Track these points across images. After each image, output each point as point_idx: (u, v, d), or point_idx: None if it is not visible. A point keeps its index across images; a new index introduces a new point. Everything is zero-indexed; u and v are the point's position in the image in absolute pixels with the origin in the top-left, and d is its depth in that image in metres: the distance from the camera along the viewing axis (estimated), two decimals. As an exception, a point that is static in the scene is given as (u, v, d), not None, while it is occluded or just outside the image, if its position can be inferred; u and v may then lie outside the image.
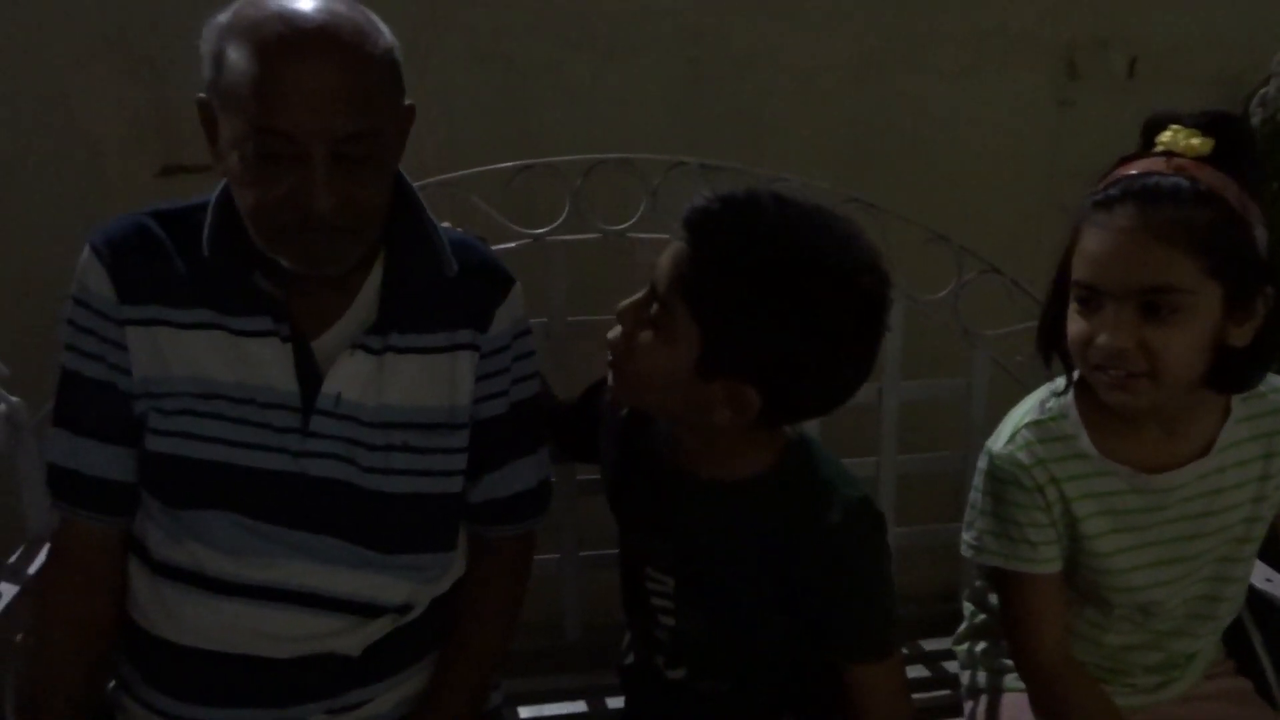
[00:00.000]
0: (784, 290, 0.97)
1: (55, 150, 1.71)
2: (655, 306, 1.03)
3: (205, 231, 1.10)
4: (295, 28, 0.99)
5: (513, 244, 1.45)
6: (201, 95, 1.05)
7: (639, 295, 1.07)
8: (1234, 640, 1.29)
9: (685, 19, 2.01)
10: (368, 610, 1.16)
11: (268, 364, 1.10)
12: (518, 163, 1.45)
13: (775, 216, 1.00)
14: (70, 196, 1.71)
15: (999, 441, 1.17)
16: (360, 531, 1.14)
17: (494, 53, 1.88)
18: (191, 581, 1.13)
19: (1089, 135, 2.32)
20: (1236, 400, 1.15)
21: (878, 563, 1.11)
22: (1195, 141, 1.03)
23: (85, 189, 1.72)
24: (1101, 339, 1.03)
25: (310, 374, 1.11)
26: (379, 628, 1.17)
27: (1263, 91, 1.42)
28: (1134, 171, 1.04)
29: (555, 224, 1.46)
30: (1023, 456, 1.14)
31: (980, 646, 1.34)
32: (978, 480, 1.20)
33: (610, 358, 1.09)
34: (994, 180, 2.28)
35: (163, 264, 1.11)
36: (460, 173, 1.44)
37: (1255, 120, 1.93)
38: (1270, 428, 1.16)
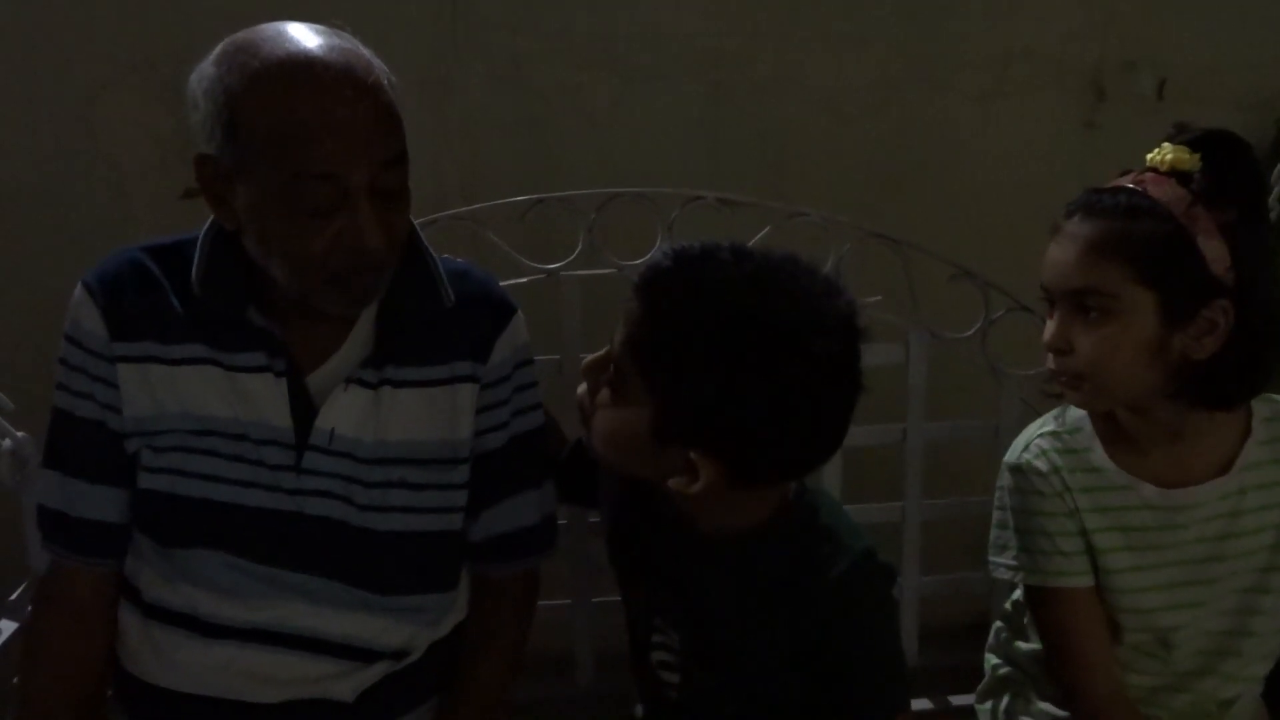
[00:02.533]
0: (728, 352, 0.92)
1: (80, 176, 1.70)
2: (612, 366, 1.00)
3: (195, 269, 1.08)
4: (315, 70, 0.98)
5: (525, 279, 1.41)
6: (205, 152, 1.02)
7: (600, 352, 1.03)
8: (1273, 689, 1.24)
9: (707, 43, 1.98)
10: (363, 654, 1.13)
11: (262, 399, 1.08)
12: (532, 196, 1.42)
13: (728, 275, 0.95)
14: (94, 224, 1.70)
15: (1014, 453, 1.19)
16: (356, 572, 1.12)
17: (514, 77, 1.85)
18: (183, 624, 1.11)
19: (1116, 159, 2.26)
20: (1258, 421, 1.15)
21: (884, 616, 1.07)
22: (1171, 156, 1.08)
23: (109, 215, 1.71)
24: (1045, 337, 1.11)
25: (305, 410, 1.09)
26: (374, 673, 1.14)
27: None
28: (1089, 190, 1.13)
29: (569, 258, 1.42)
30: (1039, 464, 1.15)
31: (1004, 702, 1.28)
32: (999, 498, 1.20)
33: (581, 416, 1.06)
34: (1020, 207, 2.20)
35: (156, 299, 1.09)
36: (474, 206, 1.41)
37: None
38: None
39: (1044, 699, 1.24)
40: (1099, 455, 1.15)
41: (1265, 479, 1.15)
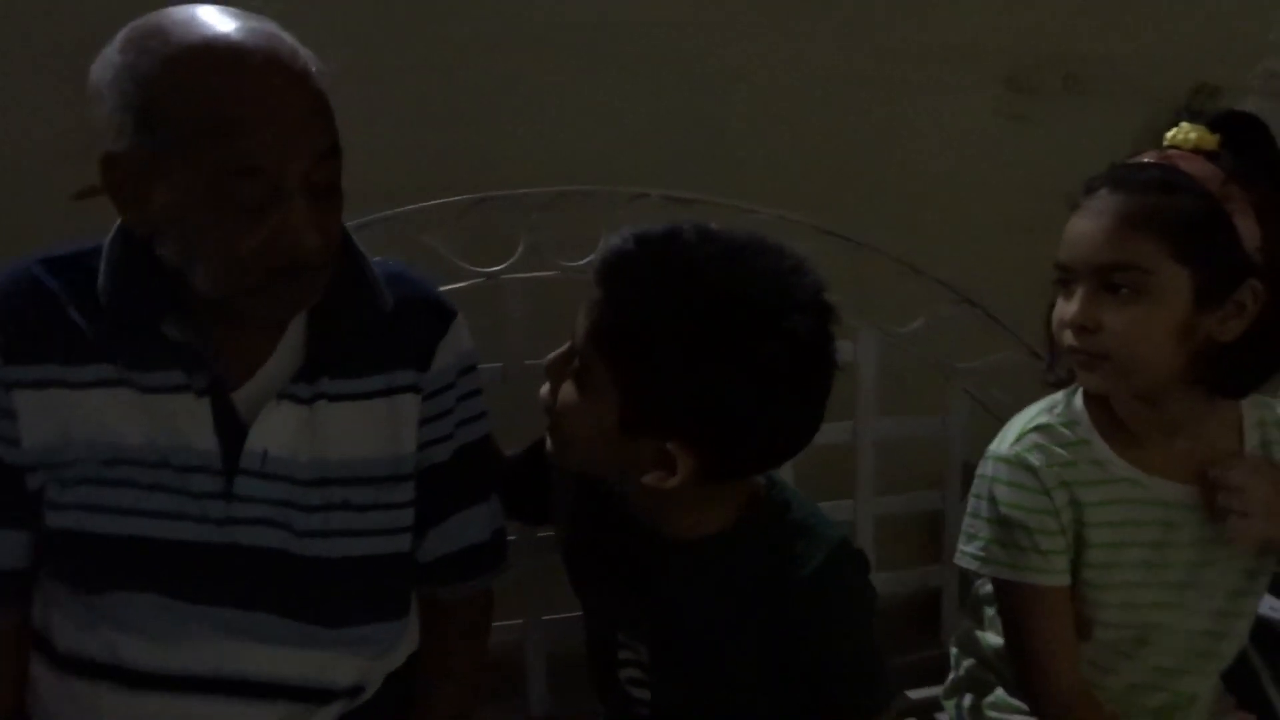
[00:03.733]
0: (700, 336, 0.87)
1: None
2: (576, 360, 0.95)
3: (101, 280, 0.97)
4: (239, 55, 0.89)
5: (464, 283, 1.34)
6: (112, 150, 0.91)
7: (563, 348, 0.98)
8: (1231, 675, 1.24)
9: (658, 35, 1.93)
10: (315, 696, 1.04)
11: (182, 422, 0.98)
12: (471, 195, 1.34)
13: (693, 255, 0.90)
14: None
15: (1004, 444, 1.14)
16: (301, 605, 1.02)
17: (451, 66, 1.75)
18: (108, 675, 1.00)
19: (1035, 149, 2.31)
20: (1249, 425, 1.13)
21: (863, 607, 1.04)
22: (1194, 135, 1.06)
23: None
24: (1067, 315, 1.06)
25: (232, 430, 1.00)
26: (328, 715, 1.06)
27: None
28: (1118, 164, 1.09)
29: (511, 260, 1.35)
30: (1033, 459, 1.11)
31: (968, 700, 1.27)
32: (979, 487, 1.16)
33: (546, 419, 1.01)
34: (952, 201, 2.25)
35: (55, 317, 0.98)
36: (408, 207, 1.33)
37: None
38: None
39: (1014, 694, 1.21)
40: (1100, 448, 1.11)
41: None
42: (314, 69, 0.93)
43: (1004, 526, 1.12)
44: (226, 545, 1.00)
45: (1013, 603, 1.14)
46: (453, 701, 1.14)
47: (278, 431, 1.01)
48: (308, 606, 1.03)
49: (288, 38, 0.93)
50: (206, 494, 0.99)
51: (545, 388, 1.00)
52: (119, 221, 0.98)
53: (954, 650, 1.33)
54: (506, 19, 1.79)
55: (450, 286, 1.27)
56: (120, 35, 0.92)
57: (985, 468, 1.15)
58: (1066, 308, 1.07)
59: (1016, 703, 1.21)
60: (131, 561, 0.99)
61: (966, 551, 1.16)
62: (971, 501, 1.16)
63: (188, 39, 0.88)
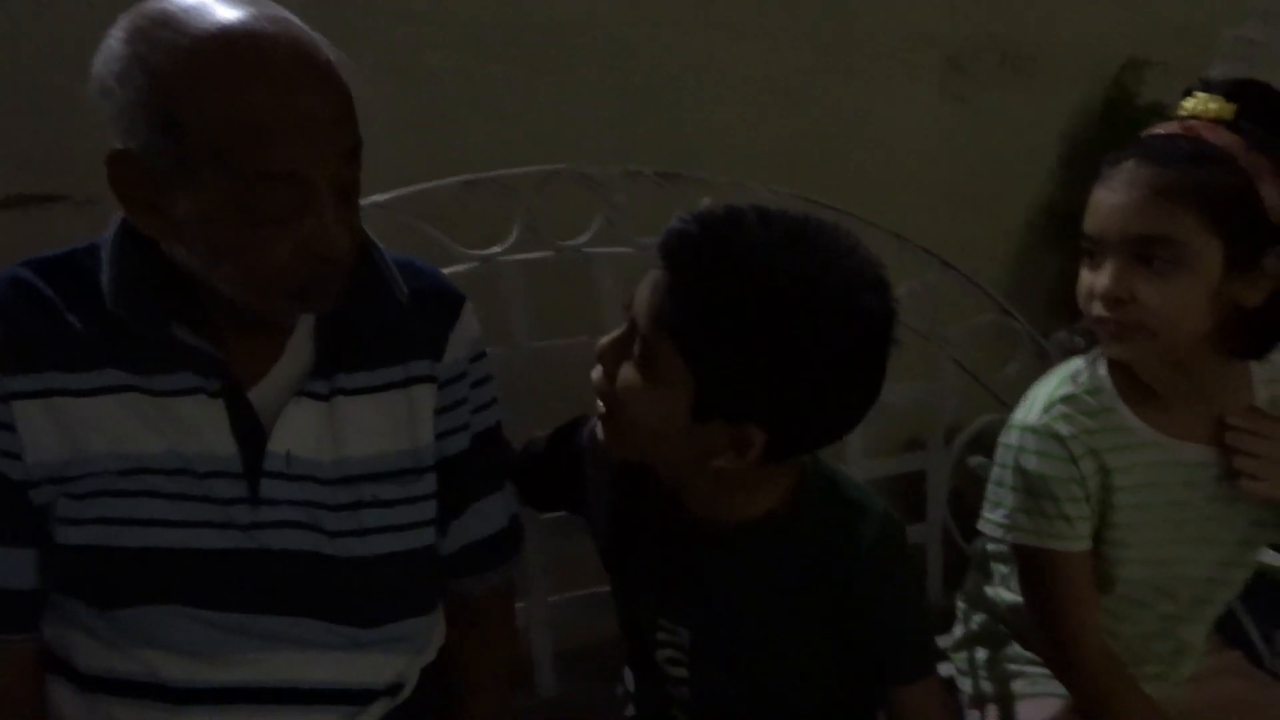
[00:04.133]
0: (778, 319, 0.87)
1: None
2: (638, 344, 0.93)
3: (106, 284, 0.92)
4: (264, 49, 0.84)
5: (461, 267, 1.31)
6: (123, 148, 0.86)
7: (619, 331, 0.96)
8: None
9: (613, 31, 1.92)
10: (358, 697, 1.02)
11: (199, 425, 0.94)
12: (461, 178, 1.32)
13: (761, 236, 0.89)
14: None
15: (1031, 414, 1.15)
16: (338, 606, 1.00)
17: (414, 66, 1.72)
18: (146, 694, 0.96)
19: (976, 128, 2.39)
20: (1258, 384, 1.16)
21: (913, 575, 1.08)
22: (1214, 106, 1.07)
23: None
24: (1099, 287, 1.06)
25: (251, 432, 0.96)
26: (372, 715, 1.04)
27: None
28: (1143, 135, 1.10)
29: (508, 243, 1.33)
30: (1061, 428, 1.12)
31: (982, 653, 1.31)
32: (1004, 457, 1.17)
33: (600, 408, 0.99)
34: (900, 177, 2.30)
35: (53, 323, 0.93)
36: (398, 192, 1.29)
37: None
38: None
39: (1028, 649, 1.26)
40: (1126, 415, 1.13)
41: None
42: (335, 59, 0.89)
43: (1031, 495, 1.14)
44: (255, 551, 0.96)
45: (1038, 568, 1.15)
46: (493, 695, 1.14)
47: (300, 431, 0.98)
48: (345, 608, 1.00)
49: (301, 25, 0.89)
50: (231, 500, 0.96)
51: (598, 373, 0.97)
52: (119, 219, 0.93)
53: (962, 606, 1.36)
54: (467, 19, 1.76)
55: (447, 271, 1.24)
56: (123, 22, 0.86)
57: (1010, 437, 1.16)
58: (1096, 279, 1.07)
59: (1031, 654, 1.25)
60: (157, 574, 0.95)
61: (991, 519, 1.18)
62: (996, 471, 1.18)
63: (204, 30, 0.83)
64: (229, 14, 0.84)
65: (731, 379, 0.90)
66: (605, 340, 0.97)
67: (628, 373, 0.94)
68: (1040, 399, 1.16)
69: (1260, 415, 1.14)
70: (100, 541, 0.93)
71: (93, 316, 0.93)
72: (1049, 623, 1.16)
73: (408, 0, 1.72)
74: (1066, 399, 1.14)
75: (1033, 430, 1.14)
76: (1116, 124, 2.43)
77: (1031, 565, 1.17)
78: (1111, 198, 1.06)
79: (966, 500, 1.63)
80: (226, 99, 0.82)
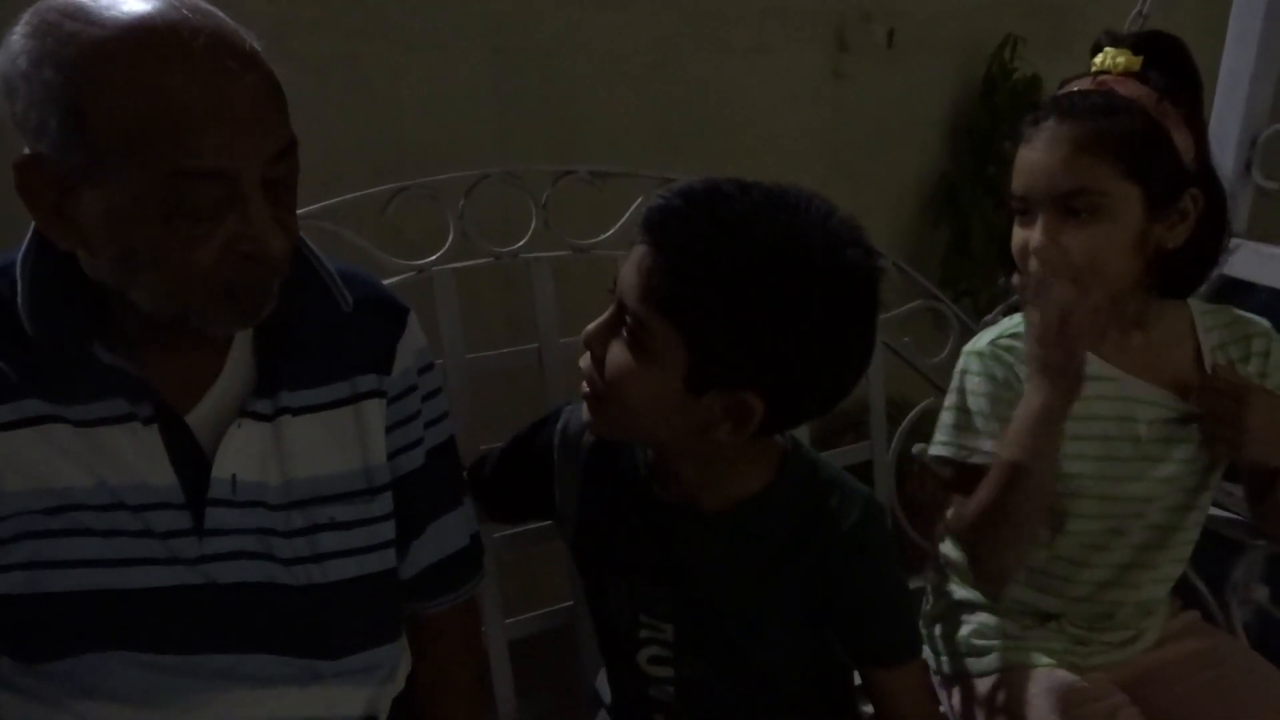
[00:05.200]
0: (764, 280, 0.88)
1: None
2: (629, 322, 0.92)
3: (21, 302, 0.84)
4: (183, 36, 0.77)
5: (396, 278, 1.24)
6: (31, 153, 0.79)
7: (606, 315, 0.95)
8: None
9: (486, 5, 1.86)
10: None
11: (131, 456, 0.87)
12: (391, 185, 1.25)
13: (742, 203, 0.90)
14: None
15: (980, 342, 1.21)
16: (299, 639, 0.94)
17: (278, 51, 1.62)
18: None
19: (860, 104, 2.42)
20: (1202, 332, 1.21)
21: (894, 558, 1.07)
22: (1121, 59, 1.12)
23: None
24: (1033, 243, 1.11)
25: (189, 459, 0.89)
26: None
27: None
28: (1058, 94, 1.14)
29: (443, 250, 1.27)
30: (1006, 356, 1.17)
31: (953, 629, 1.32)
32: (953, 383, 1.22)
33: (586, 389, 0.97)
34: (783, 151, 2.32)
35: None
36: (327, 202, 1.21)
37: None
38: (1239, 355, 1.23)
39: (998, 616, 1.27)
40: None
41: None
42: (260, 52, 0.83)
43: (967, 412, 1.18)
44: (203, 585, 0.90)
45: (962, 485, 1.17)
46: (468, 716, 1.10)
47: (244, 454, 0.91)
48: (304, 640, 0.94)
49: (223, 15, 0.82)
50: (173, 532, 0.89)
51: (585, 359, 0.96)
52: (31, 232, 0.85)
53: (932, 580, 1.38)
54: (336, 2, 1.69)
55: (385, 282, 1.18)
56: (26, 16, 0.78)
57: (960, 362, 1.21)
58: (1030, 235, 1.12)
59: (1001, 624, 1.27)
60: (93, 619, 0.87)
61: (937, 441, 1.21)
62: (945, 398, 1.22)
63: (115, 18, 0.76)
64: (144, 3, 0.78)
65: (723, 345, 0.89)
66: (592, 326, 0.95)
67: (618, 353, 0.93)
68: (990, 332, 1.21)
69: (1230, 375, 1.19)
70: (29, 589, 0.86)
71: (5, 343, 0.85)
72: (967, 531, 1.15)
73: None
74: (1016, 334, 1.18)
75: (978, 354, 1.19)
76: (996, 97, 2.51)
77: (961, 480, 1.18)
78: (1035, 156, 1.10)
79: (913, 486, 1.65)
80: (140, 89, 0.76)
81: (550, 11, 1.92)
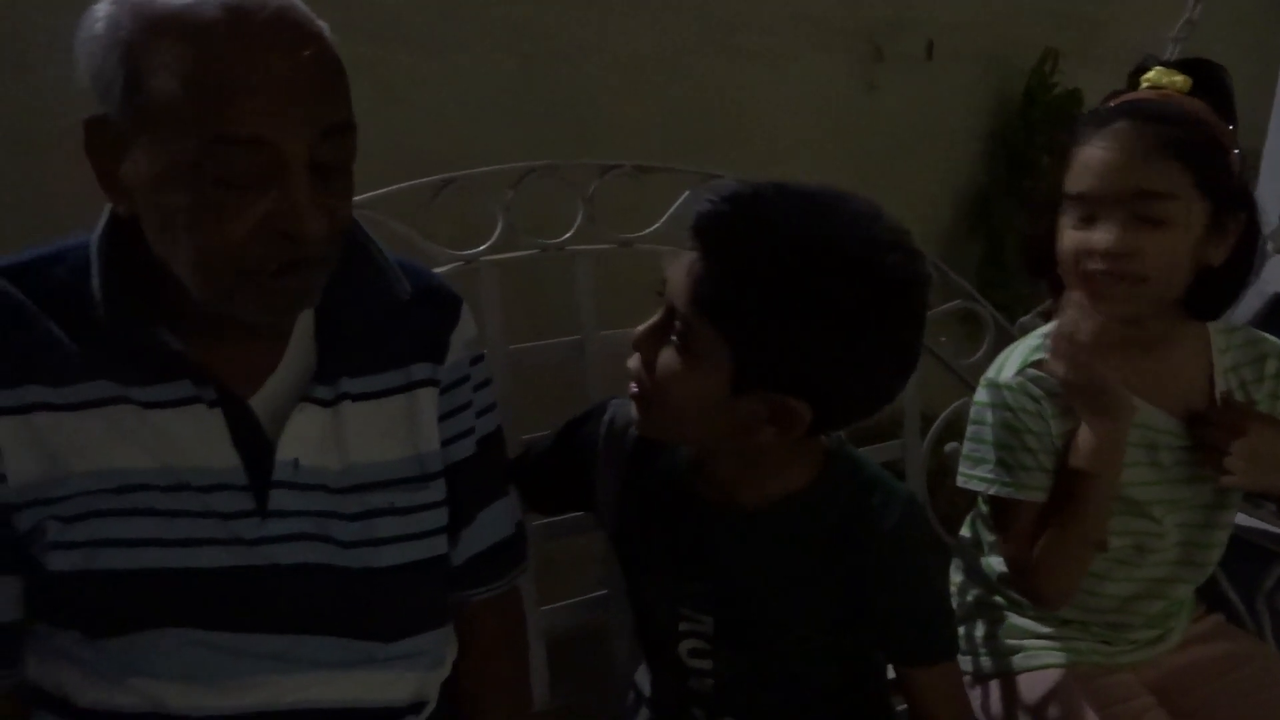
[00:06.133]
0: (812, 286, 0.89)
1: None
2: (678, 326, 0.94)
3: (96, 284, 0.86)
4: (247, 10, 0.79)
5: (443, 268, 1.26)
6: (96, 114, 0.82)
7: (655, 318, 0.97)
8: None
9: (507, 11, 1.89)
10: (379, 716, 0.98)
11: (195, 438, 0.89)
12: (440, 176, 1.27)
13: (786, 209, 0.92)
14: None
15: (1005, 372, 1.20)
16: (354, 622, 0.95)
17: None
18: None
19: (893, 116, 2.43)
20: (1216, 353, 1.22)
21: (934, 557, 1.09)
22: (1178, 79, 1.13)
23: None
24: (1099, 243, 1.10)
25: (252, 442, 0.91)
26: None
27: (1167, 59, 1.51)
28: (1126, 99, 1.14)
29: (490, 241, 1.29)
30: (1034, 388, 1.17)
31: (980, 630, 1.33)
32: (978, 413, 1.22)
33: (634, 390, 0.99)
34: (809, 162, 2.33)
35: (30, 332, 0.86)
36: (376, 192, 1.24)
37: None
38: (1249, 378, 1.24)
39: (1026, 617, 1.28)
40: None
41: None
42: (328, 36, 0.85)
43: (1008, 449, 1.18)
44: (263, 567, 0.91)
45: (1014, 517, 1.19)
46: (510, 709, 1.11)
47: (306, 438, 0.93)
48: (363, 623, 0.96)
49: (303, 5, 0.84)
50: (236, 513, 0.90)
51: (634, 360, 0.98)
52: (105, 215, 0.88)
53: (957, 581, 1.38)
54: (355, 2, 1.71)
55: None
56: None
57: (985, 395, 1.21)
58: (1092, 236, 1.11)
59: (1027, 624, 1.28)
60: (156, 597, 0.89)
61: (974, 475, 1.21)
62: (971, 428, 1.22)
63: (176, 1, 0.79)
64: None
65: (766, 349, 0.91)
66: (641, 328, 0.97)
67: (667, 356, 0.95)
68: (1014, 359, 1.21)
69: (1230, 405, 1.19)
70: (93, 566, 0.87)
71: (74, 326, 0.87)
72: (1021, 564, 1.19)
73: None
74: (1039, 363, 1.18)
75: (1006, 387, 1.18)
76: (1033, 111, 2.53)
77: (1009, 515, 1.20)
78: (1106, 156, 1.09)
79: (945, 487, 1.66)
80: (192, 54, 0.77)
81: (573, 17, 1.95)
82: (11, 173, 1.53)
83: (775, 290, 0.89)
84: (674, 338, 0.94)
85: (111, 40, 0.79)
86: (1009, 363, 1.21)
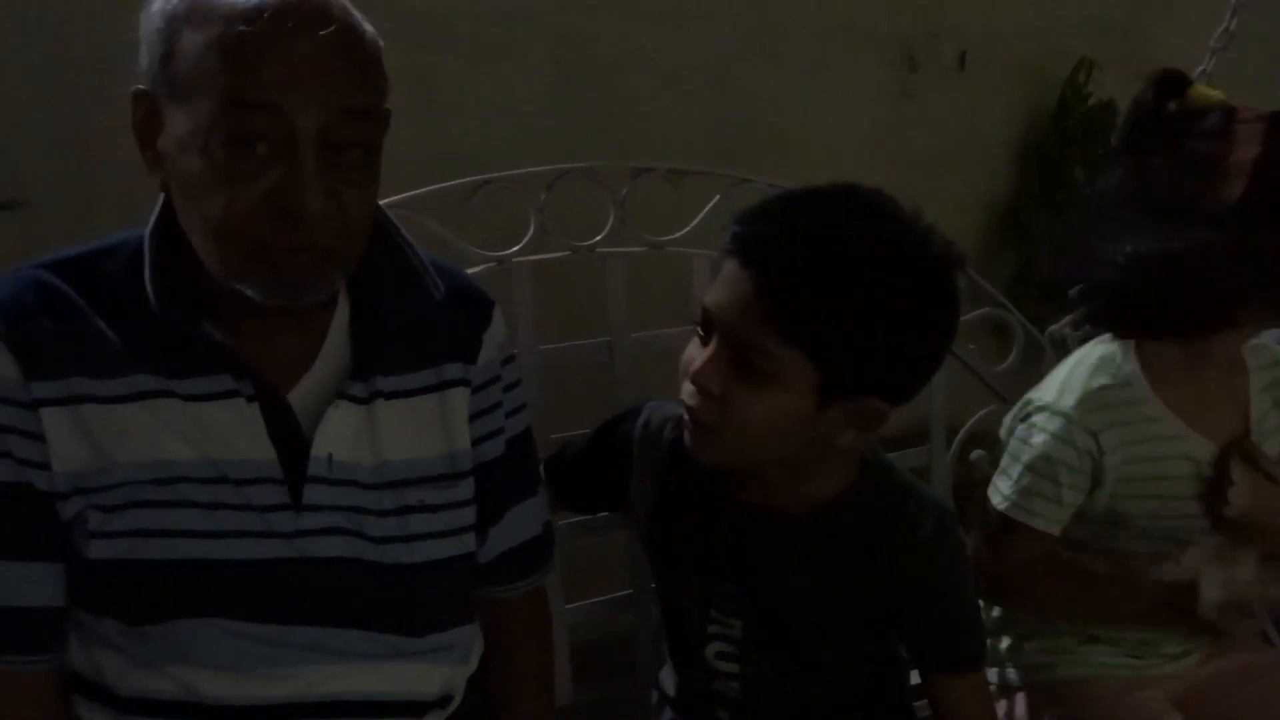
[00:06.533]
0: (881, 285, 0.90)
1: None
2: (750, 355, 0.93)
3: (148, 274, 0.88)
4: None
5: (476, 268, 1.29)
6: (140, 88, 0.85)
7: (710, 350, 0.95)
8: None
9: (550, 20, 1.91)
10: (408, 709, 0.99)
11: (233, 431, 0.91)
12: (475, 178, 1.29)
13: (834, 216, 0.93)
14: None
15: (1063, 399, 1.18)
16: (385, 616, 0.97)
17: None
18: (186, 714, 0.91)
19: (926, 125, 2.43)
20: (1253, 370, 1.22)
21: (966, 566, 1.09)
22: (1223, 96, 1.15)
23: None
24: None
25: (289, 437, 0.93)
26: None
27: (1200, 70, 1.50)
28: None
29: (523, 242, 1.31)
30: (1092, 421, 1.16)
31: (1005, 642, 1.33)
32: (1024, 432, 1.21)
33: (690, 422, 0.98)
34: (845, 169, 2.32)
35: (78, 325, 0.89)
36: (411, 193, 1.26)
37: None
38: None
39: (1053, 630, 1.28)
40: (1156, 404, 1.17)
41: (1272, 426, 1.23)
42: (366, 29, 0.87)
43: (1036, 474, 1.18)
44: (297, 560, 0.93)
45: (1016, 536, 1.21)
46: (536, 704, 1.12)
47: (340, 435, 0.94)
48: (391, 617, 0.97)
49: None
50: (272, 506, 0.92)
51: (689, 392, 0.96)
52: (158, 206, 0.90)
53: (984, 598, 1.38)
54: (403, 11, 1.74)
55: (463, 273, 1.23)
56: None
57: (1038, 417, 1.19)
58: None
59: (1055, 637, 1.28)
60: (195, 587, 0.90)
61: (1003, 492, 1.22)
62: (1016, 444, 1.22)
63: None
64: None
65: (850, 355, 0.92)
66: (700, 364, 0.95)
67: (739, 388, 0.94)
68: (1076, 386, 1.19)
69: (1231, 461, 1.19)
70: (133, 555, 0.89)
71: (121, 319, 0.89)
72: (1004, 576, 1.22)
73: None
74: (1104, 389, 1.17)
75: (1066, 416, 1.17)
76: (1068, 121, 2.52)
77: (1011, 532, 1.21)
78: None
79: (970, 496, 1.66)
80: (221, 25, 0.80)
81: (612, 26, 1.97)
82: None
83: (849, 296, 0.89)
84: (745, 367, 0.93)
85: (157, 23, 0.83)
86: (1070, 387, 1.19)
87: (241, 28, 0.79)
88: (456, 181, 1.29)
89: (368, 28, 0.88)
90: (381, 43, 0.89)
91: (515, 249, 1.31)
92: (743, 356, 0.93)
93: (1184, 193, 1.11)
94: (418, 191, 1.27)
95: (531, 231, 1.31)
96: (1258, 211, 1.08)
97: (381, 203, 1.23)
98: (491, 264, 1.30)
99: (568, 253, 1.34)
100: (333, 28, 0.82)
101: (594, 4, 1.97)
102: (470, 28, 1.83)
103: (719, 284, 0.95)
